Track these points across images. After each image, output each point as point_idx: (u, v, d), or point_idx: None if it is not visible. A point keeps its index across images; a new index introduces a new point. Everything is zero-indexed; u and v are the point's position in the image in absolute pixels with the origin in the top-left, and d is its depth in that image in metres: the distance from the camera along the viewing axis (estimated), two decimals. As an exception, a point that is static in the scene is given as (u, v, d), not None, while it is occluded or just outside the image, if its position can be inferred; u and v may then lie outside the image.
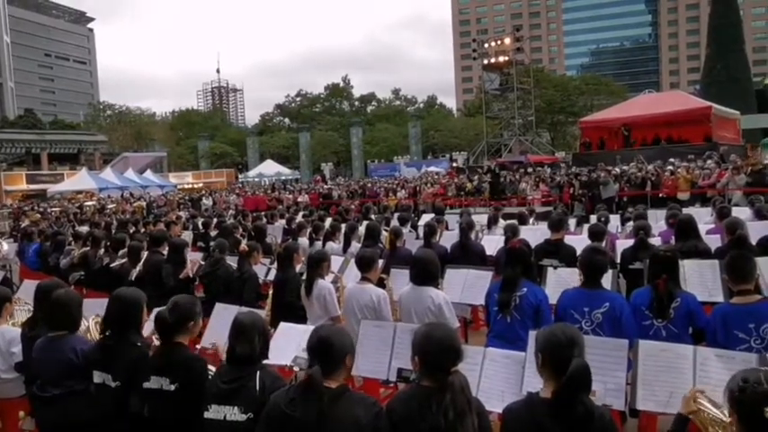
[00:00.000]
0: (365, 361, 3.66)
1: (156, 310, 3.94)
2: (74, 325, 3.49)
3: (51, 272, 8.86)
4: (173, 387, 2.84)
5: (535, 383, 2.44)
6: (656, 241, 5.95)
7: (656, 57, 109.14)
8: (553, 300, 4.02)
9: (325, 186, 30.08)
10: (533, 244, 5.23)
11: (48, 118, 72.30)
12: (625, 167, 19.31)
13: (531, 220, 9.13)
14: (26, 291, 4.95)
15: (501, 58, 41.34)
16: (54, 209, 24.79)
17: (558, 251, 5.70)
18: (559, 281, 4.79)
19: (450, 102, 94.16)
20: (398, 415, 2.25)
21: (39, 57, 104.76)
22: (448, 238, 7.36)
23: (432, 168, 39.28)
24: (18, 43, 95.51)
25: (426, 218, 9.94)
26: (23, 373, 3.80)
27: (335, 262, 5.66)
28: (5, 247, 10.71)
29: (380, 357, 3.62)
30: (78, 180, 37.34)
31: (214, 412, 2.60)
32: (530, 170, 24.44)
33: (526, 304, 3.80)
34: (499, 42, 42.32)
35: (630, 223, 7.38)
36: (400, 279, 4.91)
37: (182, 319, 2.98)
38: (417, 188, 23.70)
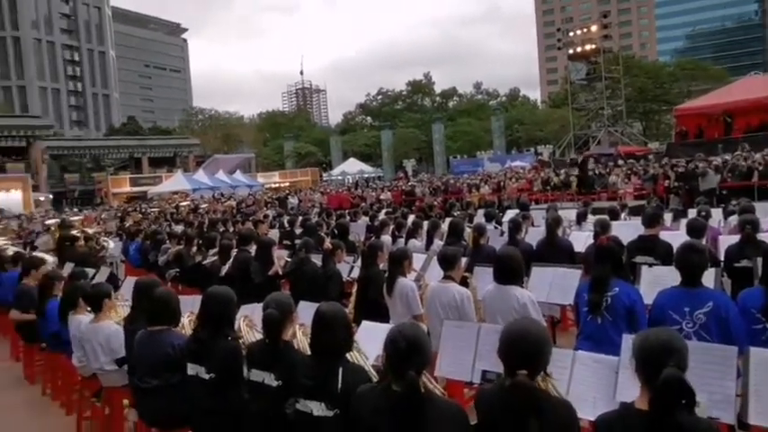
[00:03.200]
0: (448, 362, 3.59)
1: (243, 307, 4.08)
2: (173, 320, 3.68)
3: (151, 269, 9.44)
4: (275, 384, 2.89)
5: (630, 391, 2.28)
6: (765, 237, 5.45)
7: (761, 35, 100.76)
8: (648, 300, 3.78)
9: (408, 183, 30.13)
10: (626, 240, 4.95)
11: (147, 124, 77.15)
12: (727, 157, 17.96)
13: (622, 215, 8.68)
14: (129, 287, 5.27)
15: (587, 47, 39.78)
16: (153, 209, 26.40)
17: (653, 248, 5.36)
18: (655, 280, 4.49)
19: (533, 94, 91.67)
20: (484, 415, 2.18)
21: (139, 68, 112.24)
22: (534, 235, 7.13)
23: (516, 163, 38.43)
24: (122, 56, 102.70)
25: (511, 214, 9.69)
26: (123, 365, 4.05)
27: (418, 260, 5.61)
28: (112, 245, 11.52)
29: (464, 358, 3.53)
30: (174, 182, 39.56)
31: (302, 406, 2.63)
32: (620, 162, 23.30)
33: (618, 305, 3.58)
34: (585, 30, 40.72)
35: (734, 217, 6.81)
36: (484, 277, 4.79)
37: (285, 315, 3.02)
38: (501, 183, 23.22)
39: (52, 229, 16.97)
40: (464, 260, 5.05)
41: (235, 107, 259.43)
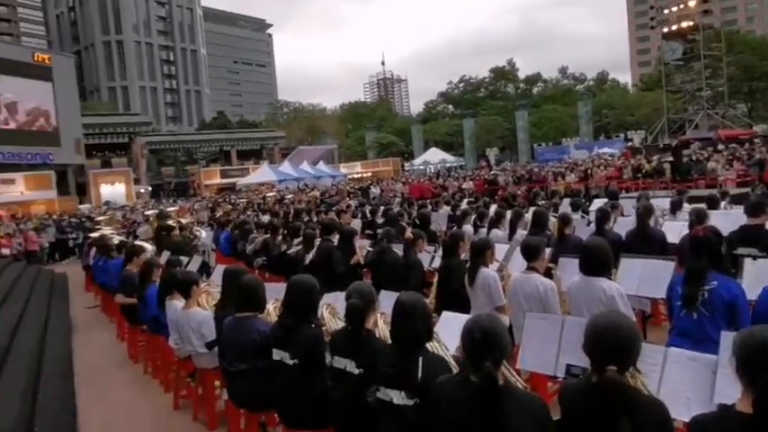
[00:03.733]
0: (531, 354, 3.51)
1: (326, 296, 4.17)
2: (260, 307, 3.82)
3: (239, 257, 9.85)
4: (357, 371, 2.94)
5: (729, 393, 2.13)
6: None
7: None
8: (752, 295, 3.51)
9: (491, 172, 29.64)
10: (727, 231, 4.62)
11: (236, 118, 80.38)
12: None
13: (723, 204, 8.10)
14: (219, 274, 5.53)
15: (684, 24, 37.34)
16: (242, 200, 27.51)
17: (757, 239, 4.96)
18: (760, 273, 4.16)
19: (624, 77, 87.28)
20: (568, 411, 2.12)
21: (228, 64, 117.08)
22: (623, 225, 6.81)
23: (605, 150, 36.80)
24: (212, 54, 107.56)
25: (599, 203, 9.30)
26: (213, 348, 4.27)
27: (500, 250, 5.51)
28: (204, 234, 12.10)
29: (547, 351, 3.43)
30: (261, 173, 41.00)
31: (383, 393, 2.66)
32: (720, 147, 21.75)
33: (717, 299, 3.35)
34: (682, 6, 38.21)
35: None
36: (569, 268, 4.63)
37: (368, 305, 3.07)
38: (589, 171, 22.34)
39: (151, 219, 18.09)
40: (548, 251, 4.91)
41: (318, 99, 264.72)
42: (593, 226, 6.70)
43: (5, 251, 17.95)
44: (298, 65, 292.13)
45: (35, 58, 42.04)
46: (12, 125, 39.72)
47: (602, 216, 6.41)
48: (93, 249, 10.67)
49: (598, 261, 3.82)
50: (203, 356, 4.50)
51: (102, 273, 9.15)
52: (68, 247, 20.77)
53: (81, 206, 36.11)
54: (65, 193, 39.42)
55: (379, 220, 10.26)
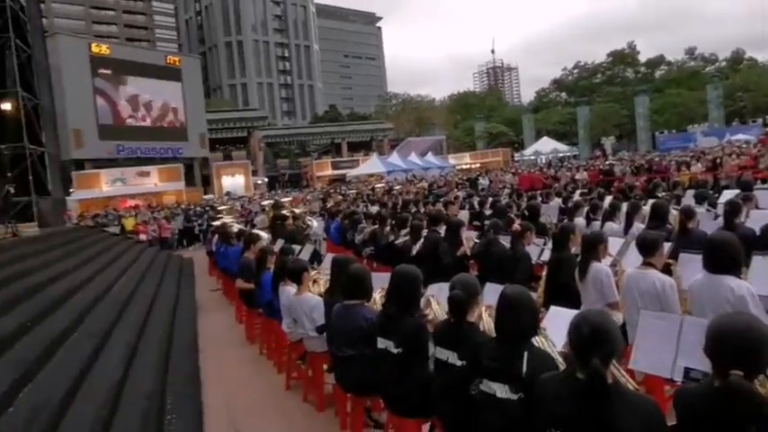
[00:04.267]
0: (644, 355, 3.31)
1: (430, 287, 4.20)
2: (367, 295, 3.93)
3: (349, 246, 10.13)
4: (459, 363, 2.95)
5: None
6: None
7: None
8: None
9: (606, 162, 28.15)
10: None
11: (346, 111, 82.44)
12: None
13: None
14: (329, 263, 5.74)
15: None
16: (352, 191, 28.21)
17: None
18: None
19: (763, 56, 78.79)
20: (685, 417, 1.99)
21: (339, 58, 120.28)
22: (757, 219, 6.20)
23: (738, 136, 33.60)
24: (324, 49, 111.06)
25: (729, 194, 8.53)
26: (323, 333, 4.45)
27: (614, 244, 5.24)
28: (315, 224, 12.55)
29: (663, 352, 3.22)
30: (370, 165, 41.77)
31: (486, 386, 2.64)
32: None
33: None
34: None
35: None
36: (691, 265, 4.30)
37: (471, 297, 3.06)
38: (718, 160, 20.53)
39: (267, 209, 19.05)
40: (667, 245, 4.60)
41: (426, 90, 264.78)
42: (720, 220, 6.18)
43: (143, 237, 19.79)
44: (406, 57, 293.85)
45: (167, 61, 45.76)
46: (148, 123, 43.50)
47: (732, 209, 5.88)
48: (216, 237, 11.44)
49: (726, 257, 3.52)
50: (314, 340, 4.71)
51: (223, 258, 9.80)
52: (194, 234, 22.42)
53: (205, 196, 38.86)
54: (191, 184, 42.57)
55: (487, 212, 10.12)
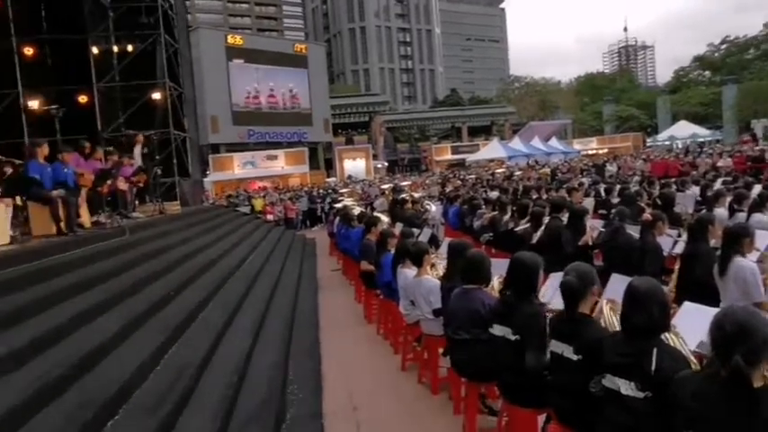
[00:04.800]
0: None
1: (552, 275, 4.07)
2: (484, 280, 3.91)
3: (467, 231, 10.06)
4: (575, 357, 2.85)
5: None
6: None
7: None
8: None
9: (756, 147, 25.46)
10: None
11: (467, 95, 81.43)
12: None
13: None
14: (446, 248, 5.75)
15: None
16: (471, 176, 27.93)
17: None
18: None
19: None
20: None
21: (461, 42, 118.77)
22: None
23: None
24: (445, 32, 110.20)
25: None
26: (439, 317, 4.48)
27: (762, 238, 4.75)
28: (433, 208, 12.60)
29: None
30: (490, 149, 41.02)
31: (609, 381, 2.53)
32: None
33: None
34: None
35: None
36: None
37: (585, 286, 2.94)
38: None
39: (386, 192, 19.40)
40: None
41: (551, 73, 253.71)
42: None
43: (270, 217, 21.01)
44: (530, 38, 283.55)
45: (295, 49, 47.85)
46: (276, 109, 45.89)
47: None
48: (337, 219, 11.85)
49: None
50: (430, 323, 4.76)
51: (344, 240, 10.13)
52: (317, 216, 23.41)
53: (328, 179, 40.35)
54: (315, 167, 44.39)
55: (615, 200, 9.56)
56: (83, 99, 13.98)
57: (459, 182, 24.31)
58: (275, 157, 40.66)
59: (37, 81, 13.74)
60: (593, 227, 6.52)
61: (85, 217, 8.22)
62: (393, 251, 5.95)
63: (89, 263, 6.23)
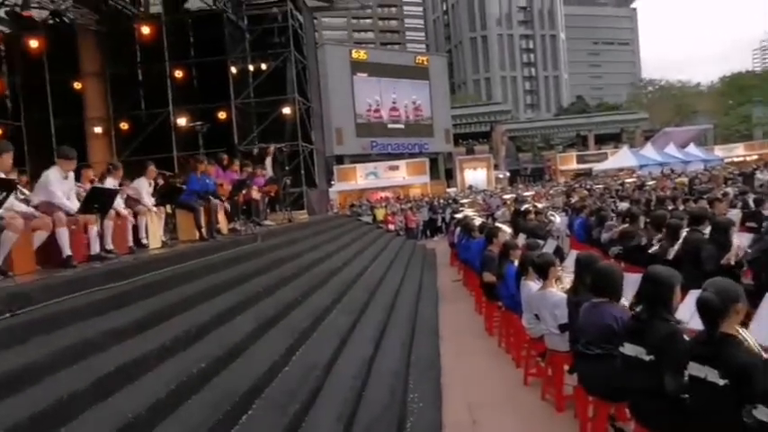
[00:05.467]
0: None
1: (691, 293, 3.77)
2: (614, 294, 3.70)
3: (594, 244, 9.57)
4: (721, 382, 2.60)
5: None
6: None
7: None
8: None
9: None
10: None
11: (594, 101, 77.73)
12: None
13: None
14: (573, 260, 5.52)
15: None
16: (598, 186, 26.57)
17: None
18: None
19: None
20: None
21: (587, 46, 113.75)
22: None
23: None
24: (570, 37, 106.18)
25: None
26: (567, 332, 4.30)
27: None
28: (558, 219, 12.15)
29: None
30: (620, 158, 38.80)
31: (762, 414, 2.29)
32: None
33: None
34: None
35: None
36: None
37: (726, 304, 2.68)
38: None
39: (508, 203, 19.00)
40: None
41: (688, 75, 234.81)
42: None
43: (391, 227, 21.40)
44: (665, 38, 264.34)
45: (416, 61, 48.56)
46: (398, 120, 46.79)
47: None
48: (458, 229, 11.80)
49: None
50: (555, 338, 4.59)
51: (465, 250, 10.06)
52: (437, 226, 23.47)
53: (448, 189, 40.36)
54: (435, 177, 44.58)
55: (766, 212, 8.64)
56: (222, 115, 15.18)
57: (585, 192, 23.20)
58: (397, 168, 41.40)
59: (184, 100, 15.21)
60: (740, 246, 5.90)
61: (223, 224, 8.90)
62: (516, 263, 5.82)
63: (226, 267, 6.72)
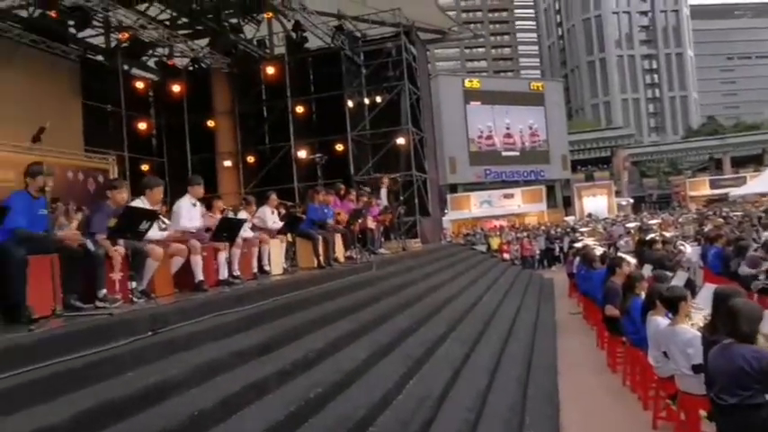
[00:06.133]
0: None
1: None
2: (748, 336, 3.32)
3: (733, 277, 8.75)
4: None
5: None
6: None
7: None
8: None
9: None
10: None
11: (729, 122, 71.79)
12: None
13: None
14: (704, 295, 5.08)
15: None
16: (736, 213, 24.34)
17: None
18: None
19: None
20: None
21: (720, 62, 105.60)
22: None
23: None
24: (700, 54, 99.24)
25: None
26: (700, 373, 3.93)
27: None
28: (689, 249, 11.28)
29: None
30: (762, 182, 35.32)
31: None
32: None
33: None
34: None
35: None
36: None
37: None
38: None
39: (632, 231, 17.95)
40: None
41: None
42: None
43: (506, 256, 20.95)
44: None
45: (531, 87, 47.78)
46: (513, 148, 46.11)
47: None
48: (577, 259, 11.31)
49: None
50: (688, 379, 4.21)
51: (585, 281, 9.61)
52: (555, 255, 22.63)
53: (566, 218, 38.90)
54: (552, 205, 43.25)
55: None
56: (339, 147, 15.80)
57: (720, 220, 21.37)
58: (512, 196, 40.68)
59: (304, 134, 16.10)
60: None
61: (340, 252, 9.20)
62: (642, 296, 5.45)
63: (342, 294, 6.92)
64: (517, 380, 5.99)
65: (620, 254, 9.88)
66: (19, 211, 4.31)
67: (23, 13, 12.76)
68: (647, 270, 7.43)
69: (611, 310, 6.75)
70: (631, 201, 47.94)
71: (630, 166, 53.36)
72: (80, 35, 13.85)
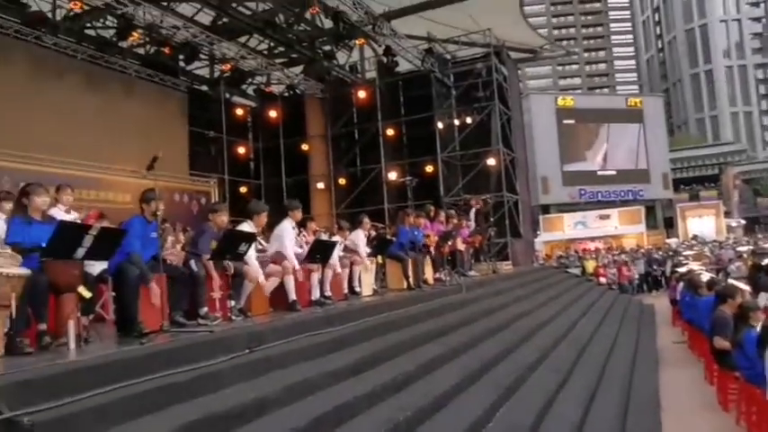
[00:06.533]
0: None
1: None
2: None
3: None
4: None
5: None
6: None
7: None
8: None
9: None
10: None
11: None
12: None
13: None
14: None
15: None
16: None
17: None
18: None
19: None
20: None
21: None
22: None
23: None
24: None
25: None
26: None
27: None
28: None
29: None
30: None
31: None
32: None
33: None
34: None
35: None
36: None
37: None
38: None
39: (745, 256, 16.64)
40: None
41: None
42: None
43: (602, 280, 20.00)
44: None
45: (628, 104, 45.72)
46: (609, 166, 44.23)
47: None
48: (681, 284, 10.64)
49: None
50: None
51: (690, 309, 9.01)
52: (656, 280, 21.36)
53: (668, 240, 36.63)
54: (652, 226, 40.89)
55: None
56: (429, 168, 15.86)
57: None
58: (608, 217, 38.92)
59: (394, 156, 16.34)
60: None
61: (429, 274, 9.19)
62: (758, 327, 5.03)
63: (431, 316, 6.89)
64: (615, 414, 5.67)
65: (730, 280, 9.17)
66: (134, 234, 4.68)
67: (141, 51, 14.06)
68: (763, 299, 6.84)
69: (721, 342, 6.26)
70: (743, 222, 44.43)
71: (742, 184, 49.57)
72: (188, 68, 14.96)
